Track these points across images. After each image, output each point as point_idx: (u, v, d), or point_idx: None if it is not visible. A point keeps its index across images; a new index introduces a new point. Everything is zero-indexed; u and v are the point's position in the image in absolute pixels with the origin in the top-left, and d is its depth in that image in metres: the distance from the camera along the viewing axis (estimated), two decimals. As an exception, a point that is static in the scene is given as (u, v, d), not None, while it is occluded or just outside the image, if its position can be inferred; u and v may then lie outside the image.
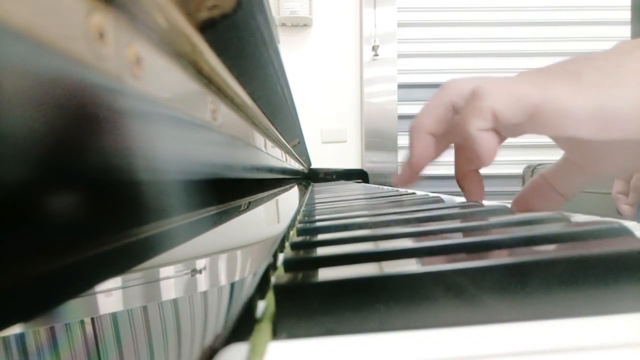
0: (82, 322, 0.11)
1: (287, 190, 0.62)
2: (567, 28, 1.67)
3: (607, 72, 0.20)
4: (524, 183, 1.45)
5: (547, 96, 0.20)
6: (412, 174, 0.29)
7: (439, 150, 0.28)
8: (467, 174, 0.30)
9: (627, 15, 1.50)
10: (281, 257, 0.20)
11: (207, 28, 0.16)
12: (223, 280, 0.16)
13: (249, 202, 0.30)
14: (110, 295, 0.11)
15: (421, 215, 0.26)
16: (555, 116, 0.20)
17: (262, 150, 0.38)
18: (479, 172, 0.30)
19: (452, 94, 0.26)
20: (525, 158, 1.50)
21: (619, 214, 0.59)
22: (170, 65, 0.14)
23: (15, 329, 0.10)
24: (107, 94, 0.09)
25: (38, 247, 0.07)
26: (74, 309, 0.10)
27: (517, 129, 0.23)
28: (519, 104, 0.21)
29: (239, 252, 0.19)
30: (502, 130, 0.23)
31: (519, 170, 1.40)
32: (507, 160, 1.51)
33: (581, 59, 0.22)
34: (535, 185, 0.28)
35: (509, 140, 0.25)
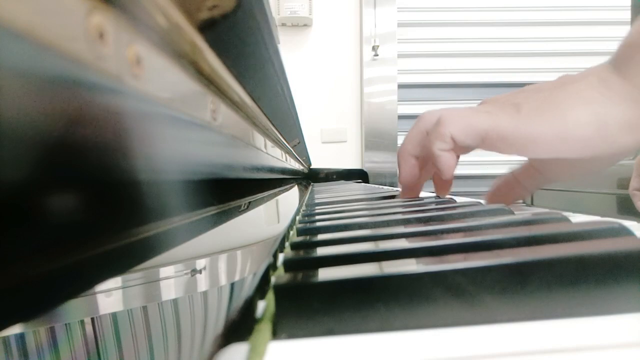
0: (82, 322, 0.11)
1: (287, 190, 0.62)
2: (567, 28, 1.67)
3: (541, 104, 0.26)
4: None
5: (492, 125, 0.26)
6: (407, 189, 0.37)
7: (422, 168, 0.34)
8: (435, 176, 0.37)
9: (627, 15, 1.50)
10: (281, 257, 0.20)
11: (207, 28, 0.16)
12: (223, 280, 0.16)
13: (249, 202, 0.30)
14: (110, 295, 0.11)
15: (421, 215, 0.26)
16: (498, 140, 0.27)
17: (262, 150, 0.38)
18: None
19: (425, 123, 0.31)
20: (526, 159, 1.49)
21: (619, 214, 0.58)
22: (170, 65, 0.14)
23: (15, 329, 0.10)
24: (107, 94, 0.09)
25: (38, 247, 0.07)
26: (74, 309, 0.10)
27: (472, 148, 0.29)
28: (471, 131, 0.27)
29: (239, 252, 0.19)
30: (459, 150, 0.29)
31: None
32: (508, 161, 1.51)
33: (528, 91, 0.28)
34: (506, 180, 0.35)
35: None
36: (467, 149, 0.29)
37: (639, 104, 0.24)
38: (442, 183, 0.36)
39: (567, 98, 0.25)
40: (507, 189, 0.35)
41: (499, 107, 0.28)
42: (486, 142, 0.27)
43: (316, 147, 1.65)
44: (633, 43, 0.25)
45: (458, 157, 0.30)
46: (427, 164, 0.34)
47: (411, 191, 0.37)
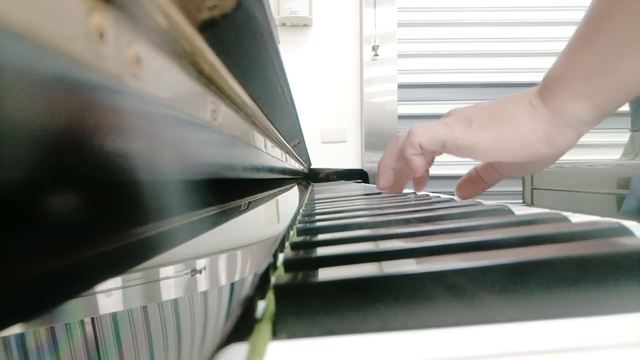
0: (82, 322, 0.11)
1: (287, 190, 0.62)
2: (567, 28, 1.66)
3: (485, 119, 0.33)
4: (523, 183, 1.45)
5: (449, 136, 0.34)
6: (387, 190, 0.45)
7: (402, 173, 0.44)
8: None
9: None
10: (281, 257, 0.20)
11: (207, 28, 0.16)
12: (223, 280, 0.16)
13: (249, 202, 0.30)
14: (110, 295, 0.11)
15: (421, 215, 0.26)
16: (453, 147, 0.34)
17: (262, 150, 0.38)
18: (427, 174, 0.44)
19: (399, 140, 0.39)
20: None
21: (619, 214, 0.58)
22: (170, 65, 0.14)
23: (15, 329, 0.10)
24: (107, 93, 0.09)
25: (38, 247, 0.07)
26: (74, 309, 0.10)
27: (438, 153, 0.37)
28: (434, 140, 0.35)
29: (239, 252, 0.19)
30: (427, 155, 0.37)
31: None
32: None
33: (478, 107, 0.35)
34: (470, 176, 0.43)
35: None
36: (433, 154, 0.38)
37: (553, 124, 0.31)
38: (417, 181, 0.44)
39: (503, 116, 0.33)
40: (471, 183, 0.43)
41: (456, 120, 0.35)
42: (445, 148, 0.35)
43: (316, 147, 1.65)
44: (553, 77, 0.33)
45: (430, 160, 0.39)
46: (406, 169, 0.41)
47: (392, 190, 0.48)
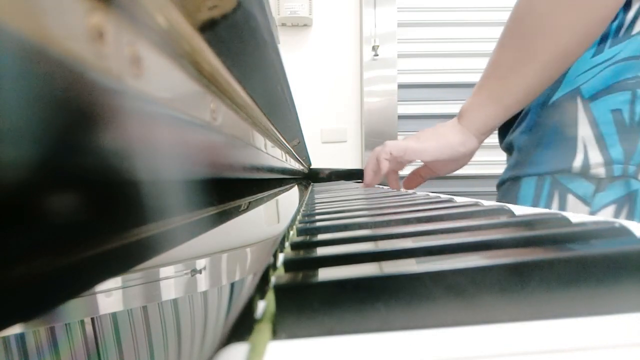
0: (82, 322, 0.11)
1: (287, 190, 0.62)
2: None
3: (428, 135, 0.55)
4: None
5: (408, 145, 0.55)
6: (368, 186, 0.69)
7: (379, 176, 0.65)
8: (389, 175, 0.65)
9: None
10: (281, 257, 0.20)
11: (207, 28, 0.16)
12: (223, 280, 0.16)
13: (249, 202, 0.30)
14: (110, 295, 0.11)
15: (421, 215, 0.26)
16: (410, 152, 0.55)
17: (262, 150, 0.38)
18: (396, 174, 0.66)
19: (377, 151, 0.62)
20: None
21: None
22: (170, 65, 0.14)
23: (15, 329, 0.10)
24: (107, 93, 0.09)
25: (38, 247, 0.07)
26: (74, 309, 0.10)
27: (402, 158, 0.56)
28: (399, 148, 0.56)
29: (239, 252, 0.19)
30: (397, 159, 0.58)
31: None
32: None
33: (425, 130, 0.56)
34: (414, 174, 0.66)
35: None
36: (400, 159, 0.58)
37: (465, 135, 0.53)
38: (390, 181, 0.67)
39: (437, 133, 0.55)
40: (414, 178, 0.67)
41: (413, 137, 0.57)
42: (406, 153, 0.56)
43: (316, 147, 1.65)
44: (463, 109, 0.54)
45: (402, 165, 0.61)
46: (380, 173, 0.63)
47: (371, 186, 0.69)
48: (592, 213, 0.43)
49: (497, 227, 0.20)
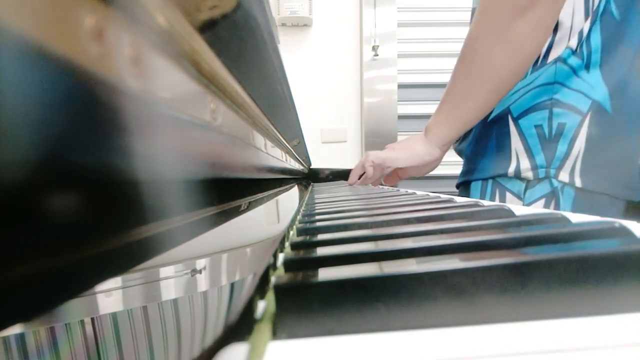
0: (82, 322, 0.11)
1: (287, 190, 0.62)
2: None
3: (399, 146, 0.68)
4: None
5: (385, 155, 0.69)
6: (351, 185, 0.81)
7: (362, 178, 0.77)
8: (373, 178, 0.77)
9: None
10: (281, 257, 0.20)
11: (207, 28, 0.16)
12: (223, 280, 0.16)
13: (249, 202, 0.30)
14: (110, 295, 0.11)
15: (421, 215, 0.26)
16: (387, 160, 0.69)
17: (262, 150, 0.38)
18: (379, 177, 0.77)
19: (362, 160, 0.74)
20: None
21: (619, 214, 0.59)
22: (170, 65, 0.14)
23: (15, 329, 0.10)
24: (107, 93, 0.09)
25: (38, 247, 0.07)
26: (74, 309, 0.10)
27: (381, 165, 0.70)
28: (379, 157, 0.70)
29: (239, 252, 0.19)
30: (379, 166, 0.71)
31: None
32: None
33: (402, 141, 0.69)
34: (391, 174, 0.75)
35: None
36: (379, 166, 0.70)
37: (430, 146, 0.62)
38: (374, 183, 0.81)
39: (407, 145, 0.66)
40: (392, 178, 0.76)
41: (390, 148, 0.69)
42: (384, 161, 0.68)
43: (316, 147, 1.65)
44: (427, 126, 0.63)
45: (382, 169, 0.73)
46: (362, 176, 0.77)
47: (352, 185, 0.81)
48: (526, 205, 0.54)
49: (497, 227, 0.20)
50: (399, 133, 1.64)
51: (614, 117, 0.51)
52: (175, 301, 0.13)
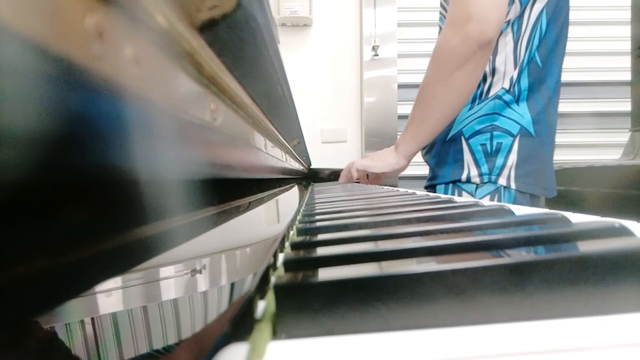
0: (82, 322, 0.11)
1: (287, 190, 0.62)
2: (568, 28, 1.66)
3: (377, 157, 0.91)
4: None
5: (365, 163, 0.93)
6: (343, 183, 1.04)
7: (350, 181, 1.01)
8: (360, 179, 1.01)
9: (627, 15, 1.49)
10: (281, 257, 0.20)
11: (207, 28, 0.16)
12: (223, 280, 0.16)
13: (249, 202, 0.30)
14: (110, 295, 0.11)
15: (421, 215, 0.26)
16: (367, 169, 0.92)
17: (262, 150, 0.38)
18: (364, 178, 1.02)
19: (349, 166, 0.98)
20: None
21: (619, 214, 0.59)
22: (170, 65, 0.14)
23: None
24: (107, 93, 0.09)
25: (38, 247, 0.07)
26: (74, 309, 0.10)
27: (366, 171, 0.94)
28: (362, 164, 0.94)
29: (239, 252, 0.19)
30: (363, 172, 0.96)
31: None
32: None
33: (377, 153, 0.92)
34: (374, 177, 0.99)
35: None
36: (362, 171, 0.94)
37: (398, 157, 0.84)
38: (361, 182, 1.00)
39: (382, 156, 0.88)
40: (376, 179, 0.97)
41: (369, 158, 0.92)
42: (366, 168, 0.91)
43: (316, 147, 1.65)
44: (398, 142, 0.85)
45: (365, 173, 0.97)
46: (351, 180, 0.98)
47: (342, 183, 1.00)
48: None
49: (497, 227, 0.20)
50: (399, 133, 1.64)
51: (535, 138, 0.74)
52: (175, 301, 0.13)
